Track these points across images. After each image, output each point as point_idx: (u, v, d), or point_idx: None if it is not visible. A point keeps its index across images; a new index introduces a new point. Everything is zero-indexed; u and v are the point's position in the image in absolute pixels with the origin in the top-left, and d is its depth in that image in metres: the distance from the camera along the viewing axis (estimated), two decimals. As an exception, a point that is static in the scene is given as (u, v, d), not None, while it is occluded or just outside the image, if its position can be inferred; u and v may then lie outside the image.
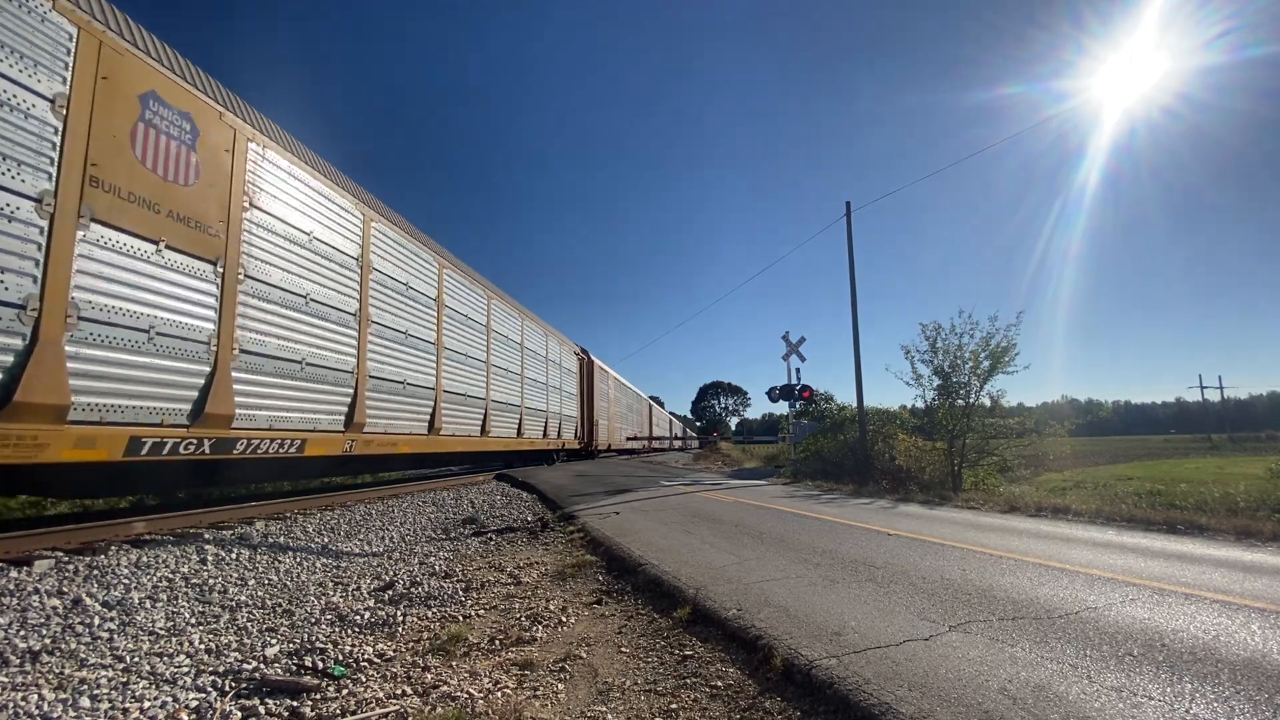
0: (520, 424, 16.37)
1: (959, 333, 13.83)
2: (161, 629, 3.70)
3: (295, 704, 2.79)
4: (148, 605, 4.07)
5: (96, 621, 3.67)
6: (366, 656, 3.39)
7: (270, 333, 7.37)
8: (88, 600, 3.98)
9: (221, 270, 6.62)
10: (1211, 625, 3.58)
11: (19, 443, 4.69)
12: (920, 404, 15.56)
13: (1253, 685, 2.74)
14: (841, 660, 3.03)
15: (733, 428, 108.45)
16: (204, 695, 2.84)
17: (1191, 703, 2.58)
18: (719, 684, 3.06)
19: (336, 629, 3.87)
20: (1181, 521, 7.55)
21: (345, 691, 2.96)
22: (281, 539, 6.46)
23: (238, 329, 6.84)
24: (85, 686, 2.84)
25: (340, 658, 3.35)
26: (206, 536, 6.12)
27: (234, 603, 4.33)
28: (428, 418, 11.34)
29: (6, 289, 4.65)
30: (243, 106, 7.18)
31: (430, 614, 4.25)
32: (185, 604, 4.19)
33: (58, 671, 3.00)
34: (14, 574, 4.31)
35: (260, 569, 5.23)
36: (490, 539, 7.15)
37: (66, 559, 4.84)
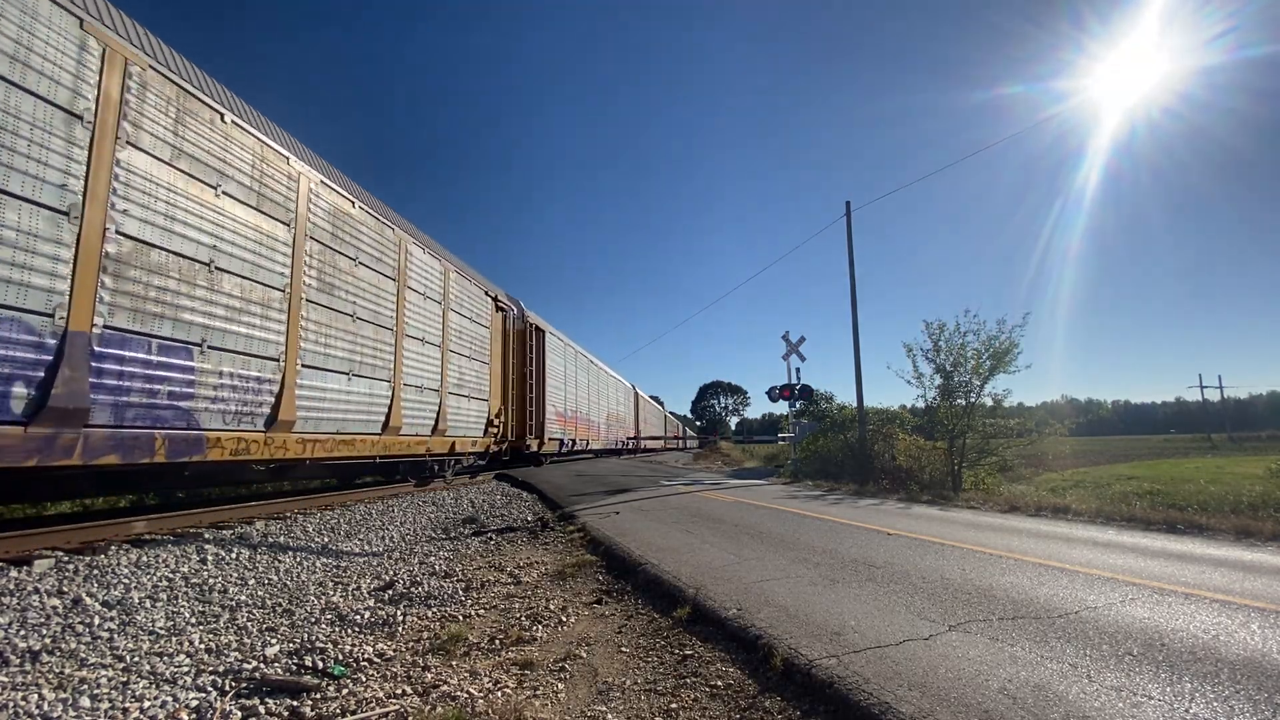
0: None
1: (963, 331, 13.83)
2: (161, 629, 3.70)
3: (295, 704, 2.79)
4: (148, 605, 4.08)
5: (96, 621, 3.67)
6: (366, 656, 3.39)
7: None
8: (88, 600, 3.98)
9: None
10: (1211, 625, 3.58)
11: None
12: (921, 403, 15.55)
13: (1253, 685, 2.74)
14: (841, 660, 3.03)
15: (733, 427, 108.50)
16: (204, 695, 2.84)
17: (1191, 702, 2.58)
18: (719, 683, 3.06)
19: (336, 629, 3.88)
20: (1181, 521, 7.56)
21: (345, 691, 2.96)
22: (281, 539, 6.46)
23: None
24: (85, 686, 2.85)
25: (340, 657, 3.36)
26: (206, 536, 6.12)
27: (234, 602, 4.33)
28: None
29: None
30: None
31: (430, 614, 4.25)
32: (185, 604, 4.19)
33: (58, 671, 3.00)
34: (14, 574, 4.31)
35: (260, 569, 5.23)
36: (490, 539, 7.15)
37: (66, 559, 4.84)
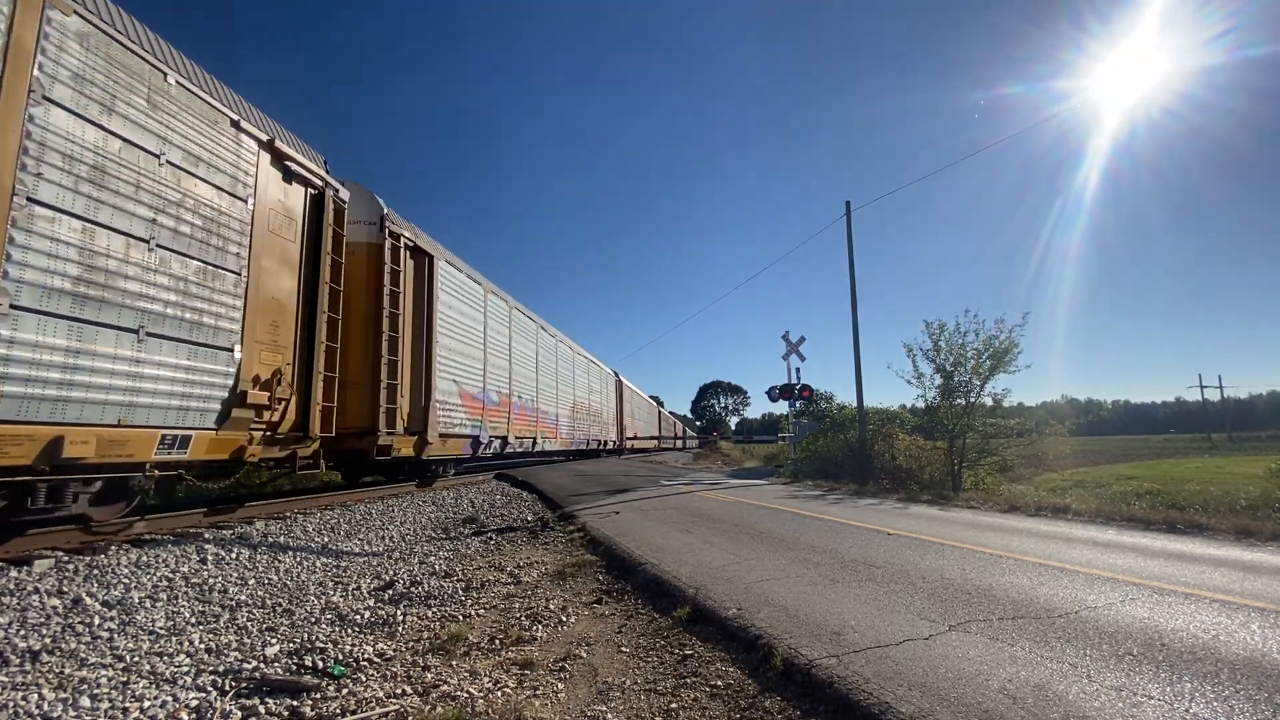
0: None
1: (963, 331, 13.85)
2: (161, 628, 3.70)
3: (295, 703, 2.79)
4: (148, 605, 4.08)
5: (96, 621, 3.67)
6: (366, 656, 3.39)
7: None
8: (88, 600, 3.98)
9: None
10: (1211, 624, 3.58)
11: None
12: (921, 403, 15.57)
13: (1252, 684, 2.74)
14: (841, 660, 3.03)
15: (733, 427, 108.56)
16: (204, 695, 2.84)
17: (1191, 702, 2.58)
18: (719, 683, 3.06)
19: (336, 628, 3.87)
20: (1181, 521, 7.56)
21: (345, 691, 2.96)
22: (281, 538, 6.46)
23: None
24: (85, 686, 2.85)
25: (340, 657, 3.36)
26: (206, 536, 6.12)
27: (234, 602, 4.33)
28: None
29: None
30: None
31: (430, 613, 4.25)
32: (185, 604, 4.19)
33: (58, 671, 3.00)
34: (14, 574, 4.31)
35: (260, 568, 5.23)
36: (490, 538, 7.15)
37: (66, 559, 4.84)
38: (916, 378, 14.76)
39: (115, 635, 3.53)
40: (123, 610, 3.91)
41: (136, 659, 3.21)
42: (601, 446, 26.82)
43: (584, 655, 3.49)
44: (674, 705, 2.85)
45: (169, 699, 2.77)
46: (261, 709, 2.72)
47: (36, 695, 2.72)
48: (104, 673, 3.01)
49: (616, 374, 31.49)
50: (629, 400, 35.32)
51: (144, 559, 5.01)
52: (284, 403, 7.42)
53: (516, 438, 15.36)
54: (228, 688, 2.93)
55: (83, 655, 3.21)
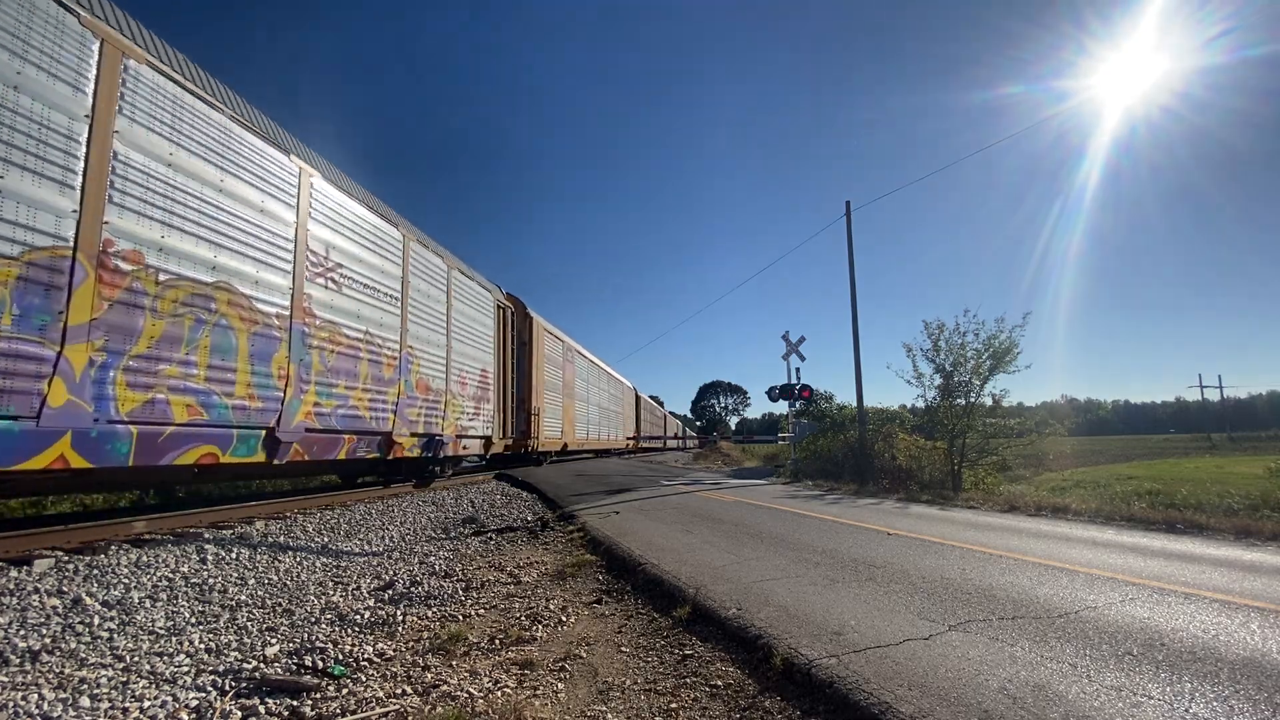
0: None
1: (963, 331, 13.86)
2: (161, 628, 3.70)
3: (295, 703, 2.79)
4: (148, 605, 4.07)
5: (96, 621, 3.67)
6: (366, 656, 3.39)
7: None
8: (88, 600, 3.98)
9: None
10: (1211, 624, 3.58)
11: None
12: (921, 403, 15.57)
13: (1252, 685, 2.74)
14: (841, 659, 3.03)
15: (733, 427, 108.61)
16: (204, 695, 2.84)
17: (1191, 702, 2.58)
18: (719, 683, 3.06)
19: (336, 628, 3.87)
20: (1181, 521, 7.56)
21: (345, 691, 2.96)
22: (281, 538, 6.46)
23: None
24: (85, 686, 2.85)
25: (340, 657, 3.35)
26: (206, 536, 6.12)
27: (234, 602, 4.33)
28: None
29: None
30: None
31: (430, 613, 4.25)
32: (185, 603, 4.19)
33: (58, 671, 3.00)
34: (14, 574, 4.31)
35: (260, 568, 5.23)
36: (490, 538, 7.15)
37: (66, 558, 4.83)
38: (916, 378, 14.78)
39: (115, 635, 3.53)
40: (123, 610, 3.91)
41: (136, 659, 3.21)
42: (449, 453, 11.72)
43: (584, 655, 3.49)
44: (674, 705, 2.85)
45: (169, 699, 2.77)
46: (261, 709, 2.72)
47: (36, 695, 2.72)
48: (104, 673, 3.01)
49: (512, 304, 15.89)
50: (561, 364, 19.79)
51: (144, 559, 5.01)
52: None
53: None
54: (228, 688, 2.93)
55: (83, 655, 3.21)
